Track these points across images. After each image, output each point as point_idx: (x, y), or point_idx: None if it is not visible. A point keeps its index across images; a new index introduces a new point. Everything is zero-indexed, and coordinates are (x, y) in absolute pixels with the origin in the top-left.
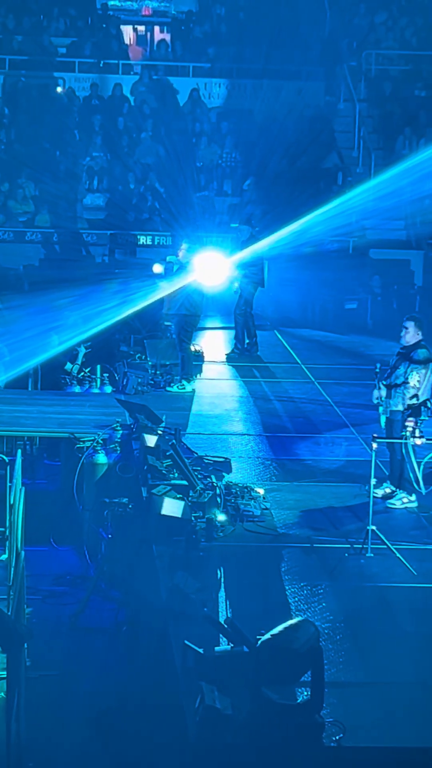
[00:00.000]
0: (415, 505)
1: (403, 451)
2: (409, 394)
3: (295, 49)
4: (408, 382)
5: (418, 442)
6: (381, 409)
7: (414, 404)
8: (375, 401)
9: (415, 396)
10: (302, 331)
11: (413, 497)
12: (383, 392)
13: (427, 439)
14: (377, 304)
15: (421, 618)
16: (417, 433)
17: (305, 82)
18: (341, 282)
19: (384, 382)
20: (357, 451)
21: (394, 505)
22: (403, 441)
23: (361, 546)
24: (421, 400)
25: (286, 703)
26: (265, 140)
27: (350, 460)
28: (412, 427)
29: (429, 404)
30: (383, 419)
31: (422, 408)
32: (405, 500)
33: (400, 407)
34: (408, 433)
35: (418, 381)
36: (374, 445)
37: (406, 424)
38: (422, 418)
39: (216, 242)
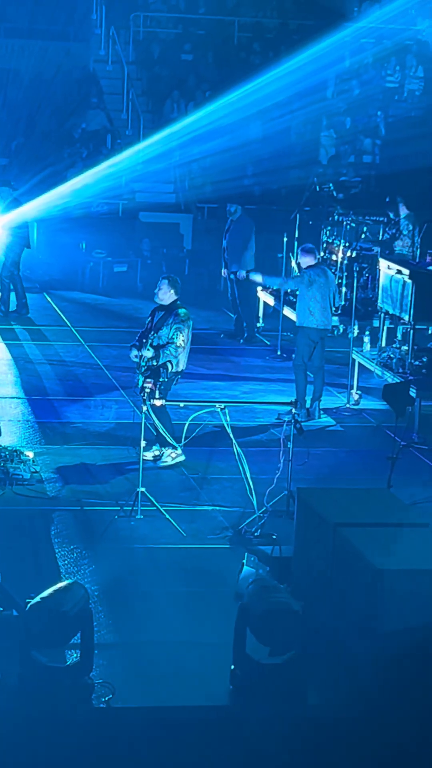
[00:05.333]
0: (183, 458)
1: (147, 413)
2: (175, 354)
3: (62, 10)
4: (174, 342)
5: (158, 403)
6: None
7: (153, 366)
8: (134, 359)
9: (154, 358)
10: (72, 294)
11: (179, 450)
12: (150, 353)
13: (168, 401)
14: (147, 267)
15: (190, 578)
16: (157, 395)
17: (73, 42)
18: (111, 245)
19: (149, 344)
20: (127, 413)
21: (166, 462)
22: (144, 404)
23: (131, 508)
24: (161, 361)
25: (55, 666)
26: (33, 101)
27: (120, 423)
28: (150, 389)
29: (169, 366)
30: (141, 380)
31: (161, 369)
32: (173, 455)
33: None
34: (146, 395)
35: (183, 340)
36: (144, 408)
37: (144, 385)
38: (161, 379)
39: None
